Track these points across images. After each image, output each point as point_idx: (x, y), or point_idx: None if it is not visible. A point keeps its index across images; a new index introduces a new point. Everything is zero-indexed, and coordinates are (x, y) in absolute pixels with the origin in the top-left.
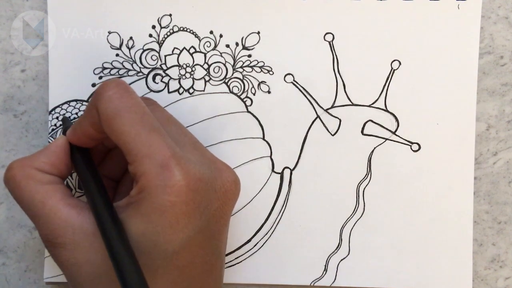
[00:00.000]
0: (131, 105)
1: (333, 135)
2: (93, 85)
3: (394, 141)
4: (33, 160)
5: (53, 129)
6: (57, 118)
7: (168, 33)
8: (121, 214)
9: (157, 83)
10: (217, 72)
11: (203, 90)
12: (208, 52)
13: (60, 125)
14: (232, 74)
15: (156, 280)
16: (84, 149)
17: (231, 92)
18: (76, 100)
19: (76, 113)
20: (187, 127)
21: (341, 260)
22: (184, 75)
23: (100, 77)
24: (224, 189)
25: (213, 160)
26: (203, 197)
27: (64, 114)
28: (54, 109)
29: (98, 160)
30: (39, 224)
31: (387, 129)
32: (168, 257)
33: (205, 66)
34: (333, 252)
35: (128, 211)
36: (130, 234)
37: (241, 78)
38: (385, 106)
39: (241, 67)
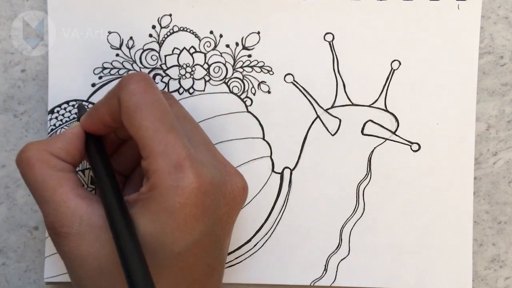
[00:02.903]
0: (153, 101)
1: (333, 135)
2: (93, 85)
3: (394, 141)
4: (50, 145)
5: (52, 129)
6: (56, 118)
7: (168, 33)
8: (130, 209)
9: (157, 83)
10: (217, 72)
11: (203, 90)
12: (208, 52)
13: (60, 125)
14: (232, 74)
15: (159, 280)
16: (98, 138)
17: (231, 92)
18: (75, 100)
19: (76, 113)
20: None
21: (341, 260)
22: (184, 75)
23: (100, 77)
24: (233, 194)
25: (224, 163)
26: (212, 200)
27: (64, 114)
28: (53, 109)
29: (110, 152)
30: (47, 210)
31: (387, 129)
32: (173, 258)
33: (205, 66)
34: (333, 252)
35: (137, 208)
36: (137, 231)
37: (241, 78)
38: (385, 106)
39: (241, 67)
